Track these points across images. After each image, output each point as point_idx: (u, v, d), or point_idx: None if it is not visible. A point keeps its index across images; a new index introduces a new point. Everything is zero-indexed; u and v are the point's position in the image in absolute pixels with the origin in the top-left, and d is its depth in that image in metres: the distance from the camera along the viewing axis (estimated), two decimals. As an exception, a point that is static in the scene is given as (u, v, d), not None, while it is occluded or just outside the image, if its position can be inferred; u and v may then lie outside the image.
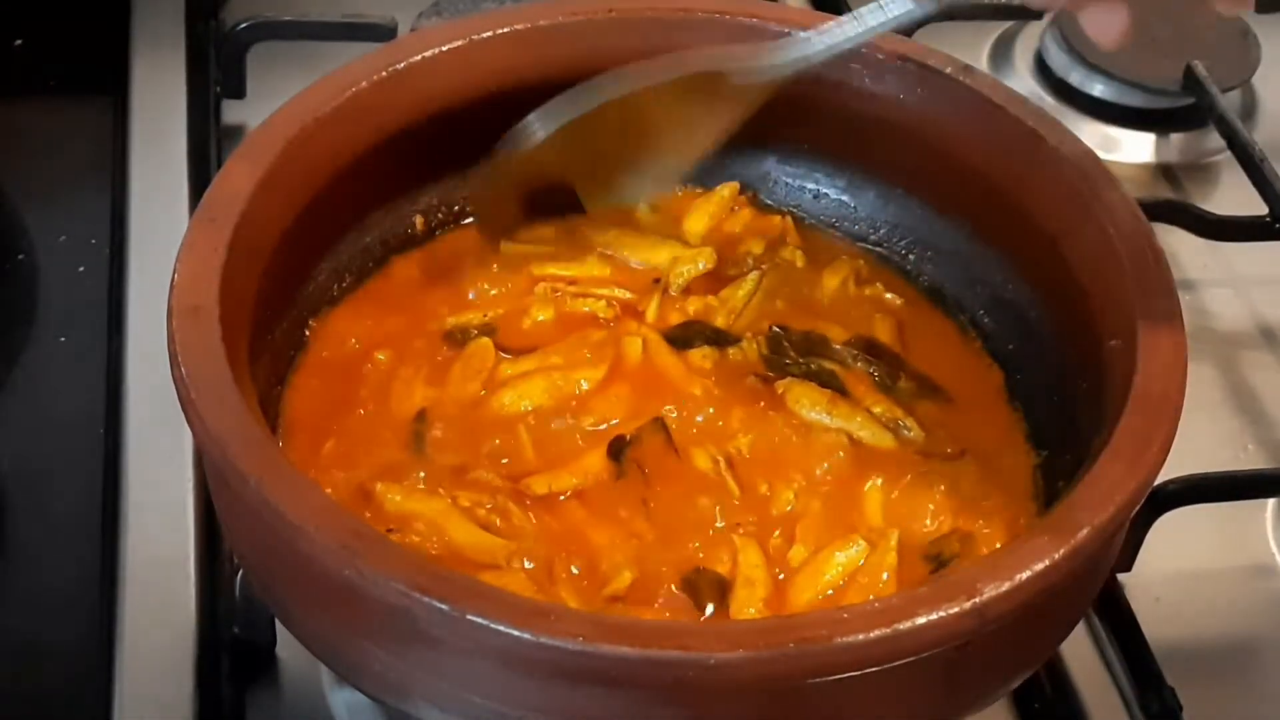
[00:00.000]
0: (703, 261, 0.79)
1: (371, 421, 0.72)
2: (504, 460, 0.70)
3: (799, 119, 0.81)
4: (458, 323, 0.76)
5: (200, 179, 0.92)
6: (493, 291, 0.77)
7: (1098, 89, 1.04)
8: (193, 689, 0.70)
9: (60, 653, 0.73)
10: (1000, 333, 0.77)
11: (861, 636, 0.55)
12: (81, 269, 0.90)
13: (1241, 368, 0.90)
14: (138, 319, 0.84)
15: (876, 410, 0.73)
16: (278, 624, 0.71)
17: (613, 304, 0.77)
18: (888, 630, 0.55)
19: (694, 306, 0.78)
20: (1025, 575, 0.58)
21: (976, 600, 0.57)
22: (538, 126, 0.72)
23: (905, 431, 0.73)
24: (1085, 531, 0.59)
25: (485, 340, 0.74)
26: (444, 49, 0.76)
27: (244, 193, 0.68)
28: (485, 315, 0.76)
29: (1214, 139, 1.01)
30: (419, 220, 0.79)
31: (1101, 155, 0.74)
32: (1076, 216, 0.72)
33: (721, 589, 0.66)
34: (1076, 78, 1.05)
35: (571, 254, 0.79)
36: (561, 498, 0.69)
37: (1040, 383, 0.74)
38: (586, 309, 0.76)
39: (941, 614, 0.56)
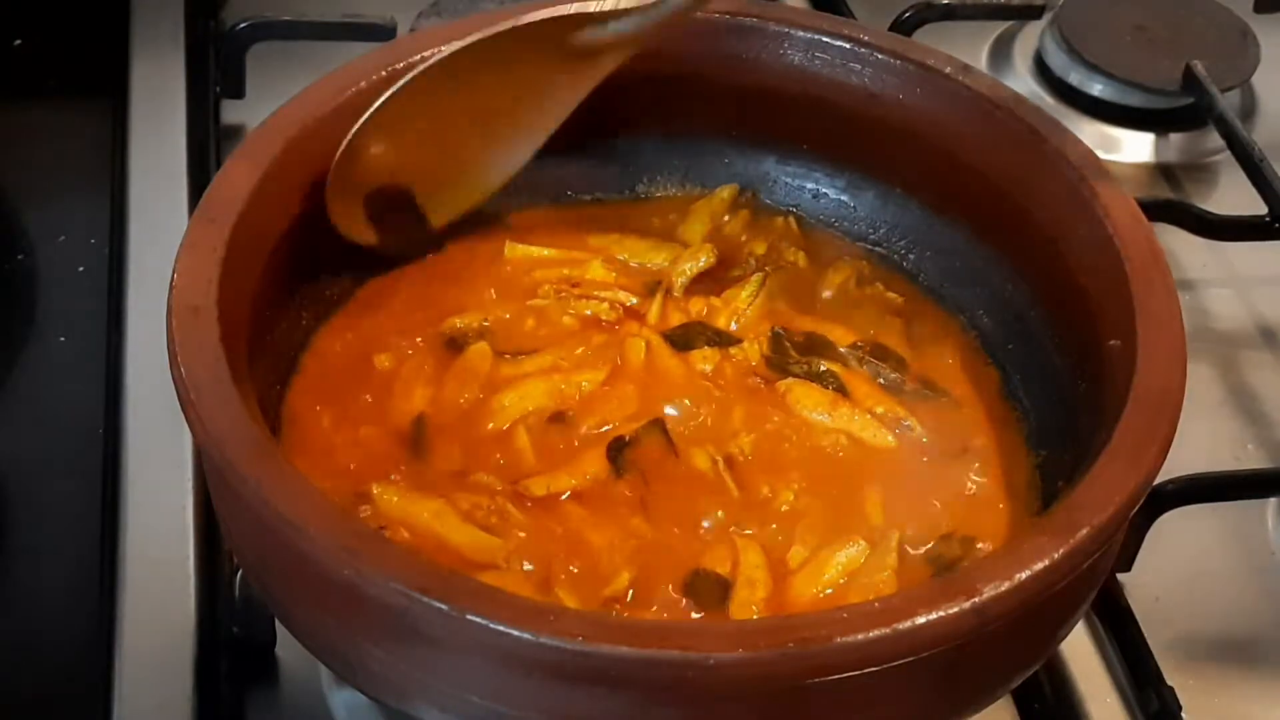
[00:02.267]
0: (704, 258, 0.79)
1: (371, 423, 0.71)
2: (503, 462, 0.70)
3: (799, 119, 0.81)
4: (458, 325, 0.76)
5: (200, 179, 0.92)
6: (494, 294, 0.77)
7: (1097, 89, 1.04)
8: (192, 688, 0.70)
9: (60, 653, 0.73)
10: (1000, 332, 0.77)
11: (861, 636, 0.55)
12: (81, 269, 0.90)
13: (1241, 368, 0.90)
14: (138, 319, 0.84)
15: (877, 410, 0.73)
16: (277, 624, 0.71)
17: (615, 306, 0.77)
18: (888, 630, 0.56)
19: (696, 308, 0.78)
20: (1025, 575, 0.58)
21: (976, 600, 0.57)
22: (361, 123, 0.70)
23: (906, 431, 0.73)
24: (1085, 531, 0.59)
25: (483, 345, 0.74)
26: (444, 49, 0.76)
27: (244, 193, 0.68)
28: (486, 318, 0.76)
29: (1214, 139, 1.01)
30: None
31: (1101, 155, 0.74)
32: (1076, 216, 0.72)
33: (721, 589, 0.66)
34: (1076, 78, 1.05)
35: (573, 257, 0.79)
36: (561, 499, 0.69)
37: (1040, 382, 0.74)
38: (589, 312, 0.76)
39: (941, 614, 0.56)
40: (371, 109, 0.70)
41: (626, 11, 0.70)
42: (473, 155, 0.76)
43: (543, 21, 0.69)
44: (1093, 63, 1.04)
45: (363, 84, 0.74)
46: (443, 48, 0.70)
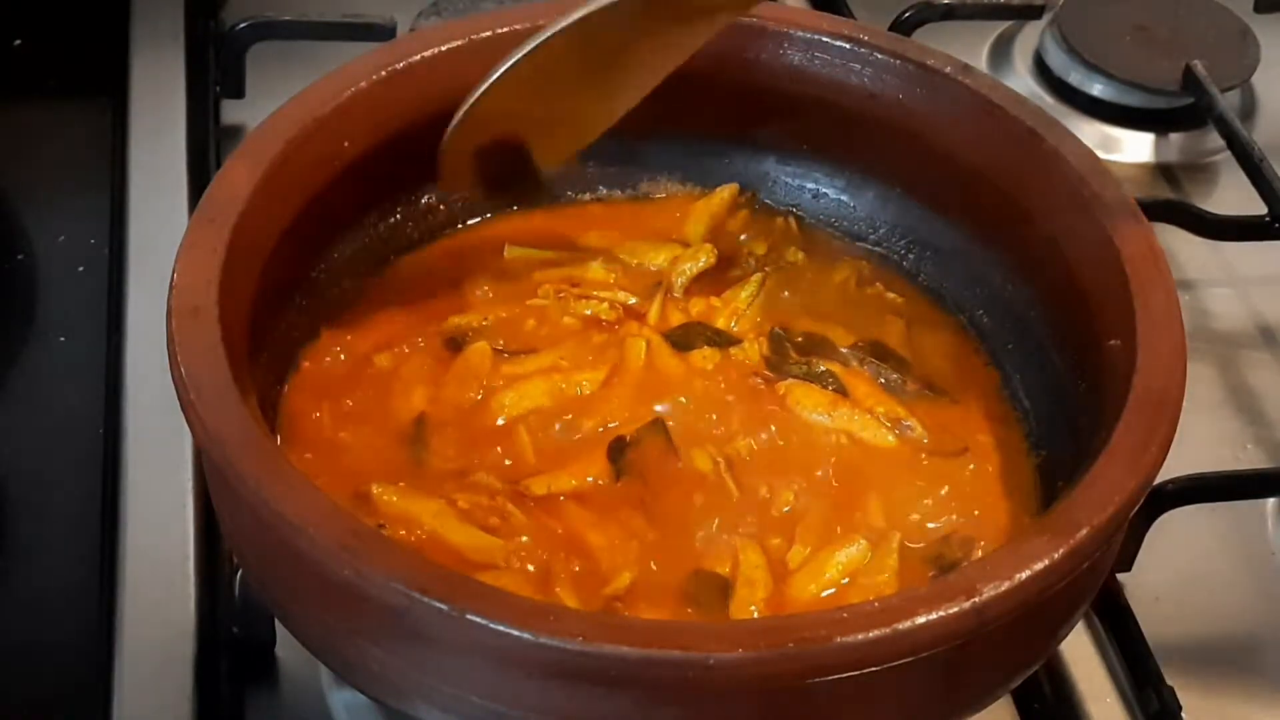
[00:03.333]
0: (704, 258, 0.79)
1: (371, 423, 0.71)
2: (504, 462, 0.70)
3: (799, 119, 0.81)
4: (458, 325, 0.76)
5: (200, 179, 0.92)
6: (494, 294, 0.77)
7: (1097, 89, 1.04)
8: (192, 688, 0.70)
9: (60, 653, 0.73)
10: (1000, 333, 0.77)
11: (861, 636, 0.55)
12: (81, 269, 0.90)
13: (1241, 368, 0.90)
14: (138, 319, 0.84)
15: (877, 411, 0.73)
16: (277, 624, 0.71)
17: (615, 306, 0.77)
18: (888, 630, 0.56)
19: (696, 308, 0.78)
20: (1024, 575, 0.58)
21: (976, 600, 0.57)
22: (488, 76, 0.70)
23: (906, 432, 0.73)
24: (1085, 531, 0.59)
25: (483, 344, 0.74)
26: (444, 49, 0.76)
27: (244, 193, 0.68)
28: (486, 318, 0.76)
29: (1214, 139, 1.01)
30: (419, 221, 0.79)
31: (1101, 155, 0.74)
32: (1076, 216, 0.72)
33: (722, 590, 0.66)
34: (1076, 78, 1.05)
35: (573, 257, 0.79)
36: (561, 499, 0.69)
37: (1040, 383, 0.74)
38: (589, 311, 0.76)
39: (941, 614, 0.56)
40: (492, 77, 0.70)
41: None
42: (584, 105, 0.75)
43: None
44: (1093, 63, 1.04)
45: (363, 84, 0.74)
46: (570, 13, 0.69)
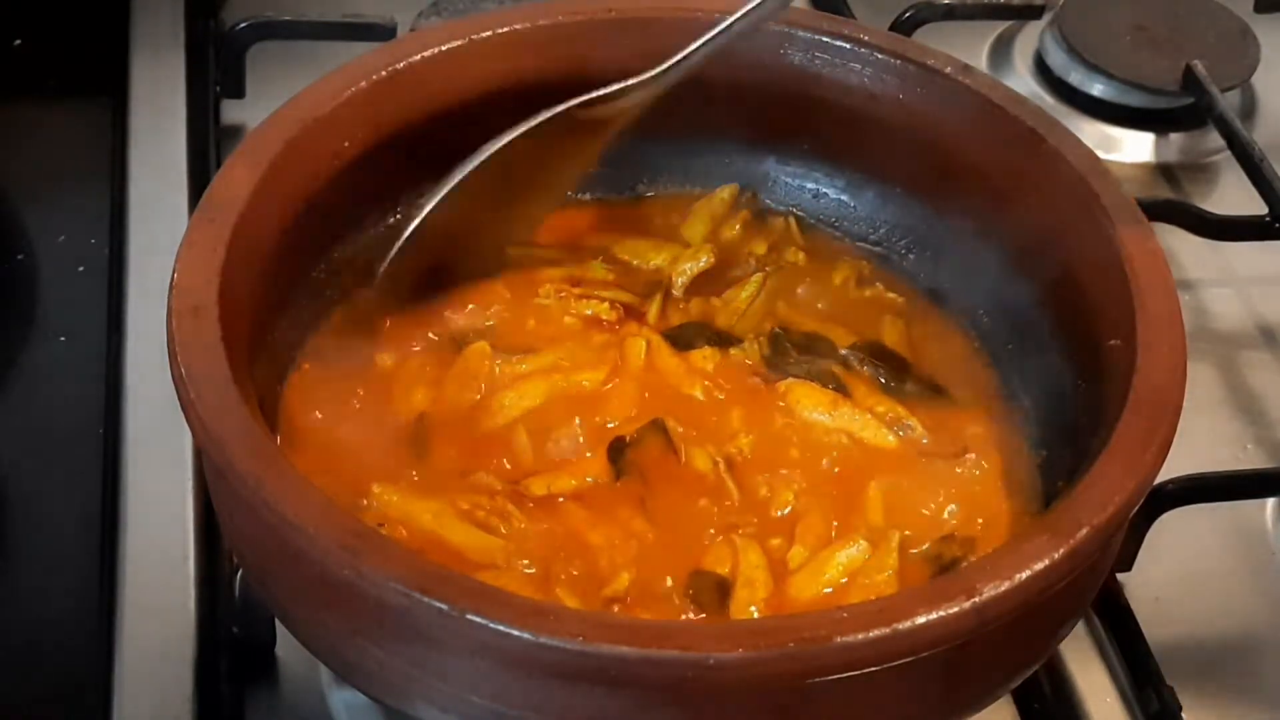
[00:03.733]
0: (704, 258, 0.79)
1: (371, 423, 0.71)
2: (504, 462, 0.70)
3: (799, 119, 0.81)
4: (458, 325, 0.76)
5: (200, 179, 0.92)
6: (494, 294, 0.77)
7: (1097, 89, 1.04)
8: (192, 689, 0.70)
9: (60, 653, 0.73)
10: (1000, 333, 0.77)
11: (861, 636, 0.55)
12: (81, 269, 0.89)
13: (1241, 368, 0.90)
14: (138, 319, 0.84)
15: (878, 410, 0.73)
16: (277, 624, 0.71)
17: (616, 306, 0.77)
18: (887, 630, 0.56)
19: (696, 308, 0.78)
20: (1025, 575, 0.58)
21: (976, 600, 0.57)
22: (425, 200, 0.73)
23: (906, 432, 0.73)
24: (1085, 531, 0.59)
25: (482, 345, 0.74)
26: (444, 49, 0.76)
27: (244, 193, 0.68)
28: (487, 317, 0.76)
29: (1214, 139, 1.01)
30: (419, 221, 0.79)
31: (1101, 155, 0.74)
32: (1076, 216, 0.72)
33: (722, 590, 0.66)
34: (1076, 78, 1.05)
35: (573, 256, 0.79)
36: (561, 499, 0.69)
37: (1040, 383, 0.74)
38: (589, 311, 0.76)
39: (941, 614, 0.56)
40: (418, 218, 0.73)
41: (634, 86, 0.74)
42: (498, 221, 0.77)
43: (566, 109, 0.73)
44: (1093, 63, 1.04)
45: (363, 84, 0.74)
46: (481, 150, 0.73)
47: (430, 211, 0.73)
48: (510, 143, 0.73)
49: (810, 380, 0.74)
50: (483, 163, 0.73)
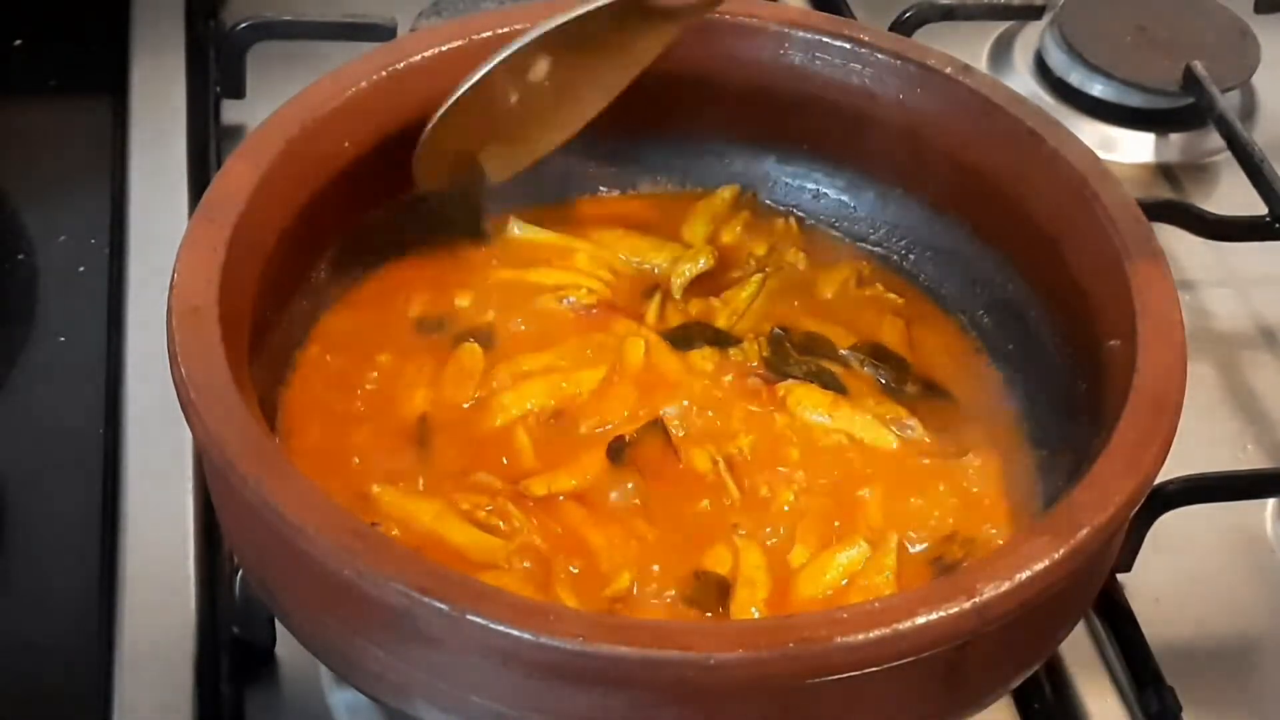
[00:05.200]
0: (704, 260, 0.79)
1: (371, 423, 0.71)
2: (504, 462, 0.70)
3: (799, 119, 0.81)
4: (459, 325, 0.76)
5: (200, 179, 0.92)
6: (494, 293, 0.77)
7: (1097, 89, 1.04)
8: (192, 689, 0.70)
9: (60, 653, 0.73)
10: (1000, 333, 0.77)
11: (861, 636, 0.55)
12: (81, 269, 0.89)
13: (1241, 368, 0.90)
14: (138, 319, 0.84)
15: (878, 411, 0.73)
16: (277, 624, 0.71)
17: (592, 292, 0.77)
18: (888, 630, 0.56)
19: (696, 308, 0.78)
20: (1025, 575, 0.58)
21: (976, 600, 0.57)
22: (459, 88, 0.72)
23: (906, 432, 0.73)
24: (1085, 531, 0.59)
25: (473, 345, 0.74)
26: (444, 49, 0.76)
27: (244, 192, 0.68)
28: (486, 317, 0.76)
29: (1214, 139, 1.01)
30: (419, 221, 0.79)
31: (1101, 155, 0.74)
32: (1076, 216, 0.72)
33: (722, 590, 0.66)
34: (1076, 78, 1.05)
35: (572, 244, 0.79)
36: (561, 499, 0.69)
37: (1040, 383, 0.74)
38: (571, 299, 0.76)
39: (941, 614, 0.56)
40: (463, 87, 0.71)
41: None
42: (541, 116, 0.76)
43: None
44: (1093, 63, 1.04)
45: (363, 84, 0.74)
46: (532, 26, 0.71)
47: (485, 75, 0.71)
48: (570, 29, 0.71)
49: (810, 381, 0.74)
50: (540, 38, 0.71)
